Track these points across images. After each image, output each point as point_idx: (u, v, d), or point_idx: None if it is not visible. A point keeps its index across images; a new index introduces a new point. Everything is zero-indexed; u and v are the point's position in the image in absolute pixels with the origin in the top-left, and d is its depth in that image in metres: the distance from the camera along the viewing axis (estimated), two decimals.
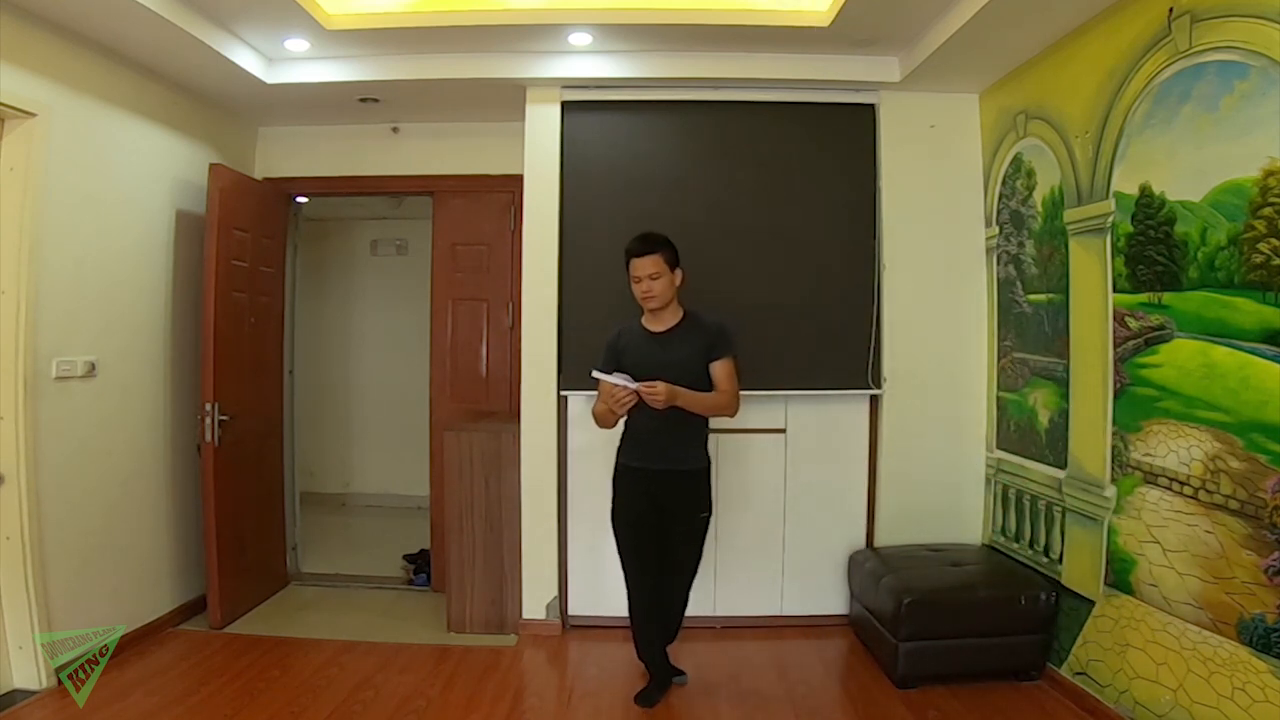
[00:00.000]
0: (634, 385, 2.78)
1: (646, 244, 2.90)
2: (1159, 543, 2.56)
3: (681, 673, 3.17)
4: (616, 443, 3.09)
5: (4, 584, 2.89)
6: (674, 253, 2.93)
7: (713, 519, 3.06)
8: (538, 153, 3.75)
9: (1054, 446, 3.17)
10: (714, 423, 3.71)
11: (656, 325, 2.97)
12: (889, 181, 3.75)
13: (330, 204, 5.29)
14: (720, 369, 2.93)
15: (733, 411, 2.98)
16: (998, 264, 3.65)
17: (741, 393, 3.71)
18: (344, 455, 6.35)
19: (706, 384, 2.93)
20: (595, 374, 2.85)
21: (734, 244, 3.74)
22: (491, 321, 4.31)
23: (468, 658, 3.43)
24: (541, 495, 3.73)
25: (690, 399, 2.85)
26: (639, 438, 2.98)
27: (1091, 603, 2.91)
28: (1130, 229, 2.70)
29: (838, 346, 3.74)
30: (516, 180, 3.88)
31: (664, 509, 2.97)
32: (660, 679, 3.09)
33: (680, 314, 2.98)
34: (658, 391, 2.76)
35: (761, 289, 3.72)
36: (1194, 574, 2.40)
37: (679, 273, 2.94)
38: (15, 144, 2.89)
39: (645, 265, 2.88)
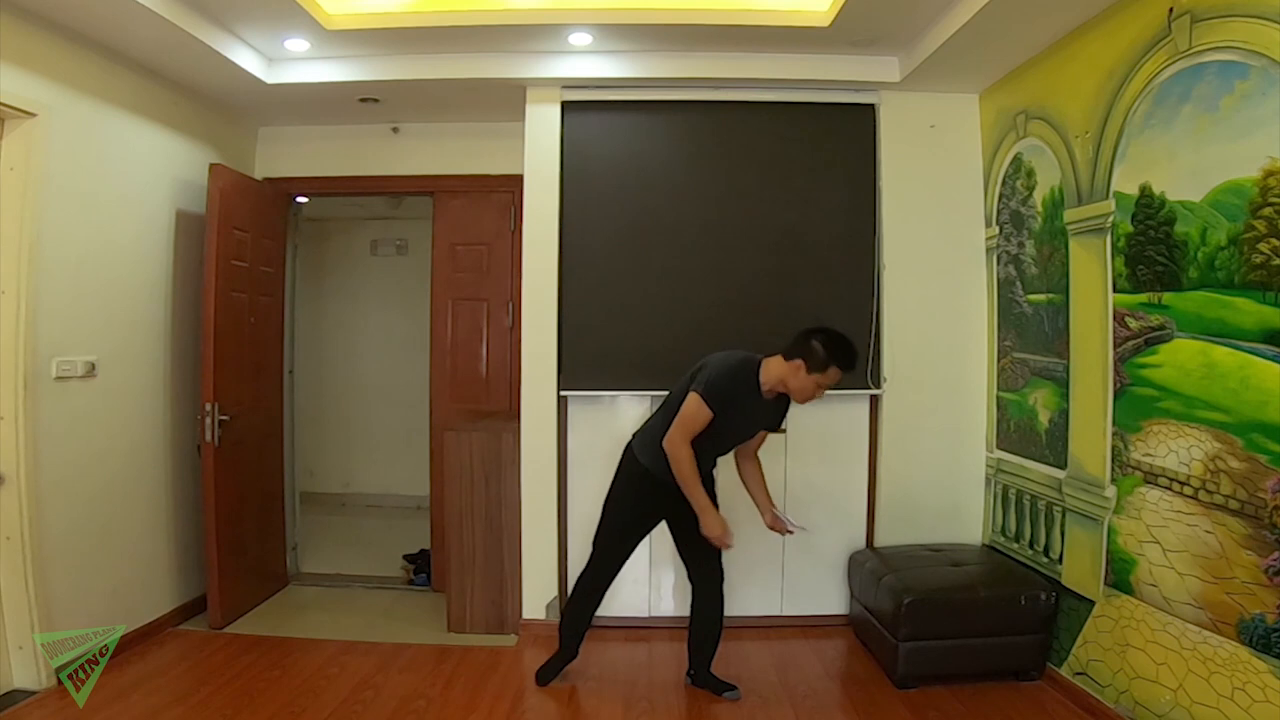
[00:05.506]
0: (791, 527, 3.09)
1: (853, 361, 2.80)
2: (1159, 543, 2.56)
3: (733, 687, 3.07)
4: (618, 444, 3.11)
5: (4, 584, 2.89)
6: None
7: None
8: (538, 153, 3.75)
9: (1054, 446, 3.17)
10: None
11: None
12: (889, 181, 3.75)
13: (330, 204, 5.29)
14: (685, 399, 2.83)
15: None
16: (998, 264, 3.65)
17: None
18: (344, 455, 6.34)
19: None
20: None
21: (734, 244, 3.74)
22: (491, 321, 4.30)
23: (468, 658, 3.43)
24: (541, 495, 3.72)
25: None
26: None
27: (1091, 603, 2.91)
28: (1130, 229, 2.70)
29: None
30: (516, 180, 3.88)
31: (674, 517, 3.04)
32: (566, 654, 3.17)
33: None
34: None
35: (761, 289, 3.72)
36: (1194, 574, 2.40)
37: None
38: (15, 144, 2.89)
39: (837, 378, 2.78)
